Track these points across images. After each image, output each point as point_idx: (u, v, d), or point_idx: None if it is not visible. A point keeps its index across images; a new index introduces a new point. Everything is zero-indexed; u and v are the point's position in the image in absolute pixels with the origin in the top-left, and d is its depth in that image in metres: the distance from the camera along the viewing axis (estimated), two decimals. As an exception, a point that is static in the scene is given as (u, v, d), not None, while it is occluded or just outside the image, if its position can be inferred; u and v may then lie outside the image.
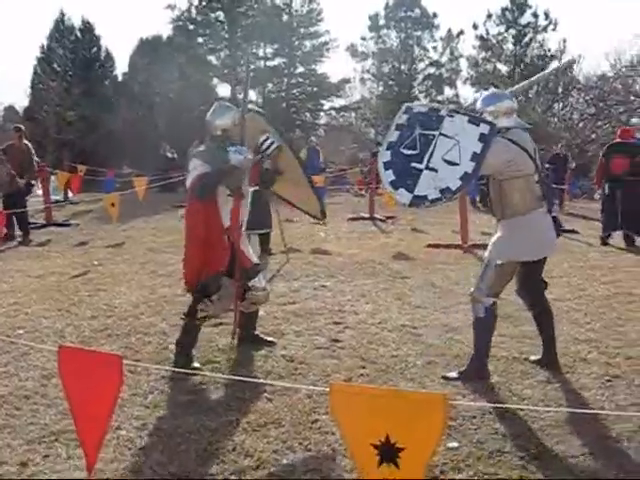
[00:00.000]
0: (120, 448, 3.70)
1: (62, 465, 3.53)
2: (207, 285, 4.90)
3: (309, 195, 5.76)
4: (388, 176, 4.59)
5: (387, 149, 4.64)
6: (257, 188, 9.40)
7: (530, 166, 4.81)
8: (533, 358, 5.19)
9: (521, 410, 4.17)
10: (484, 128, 4.49)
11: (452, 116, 4.57)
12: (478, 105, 4.98)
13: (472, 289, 4.95)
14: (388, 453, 2.31)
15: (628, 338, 5.76)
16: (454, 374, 4.82)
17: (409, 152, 4.56)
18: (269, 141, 5.29)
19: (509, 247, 4.80)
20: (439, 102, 37.35)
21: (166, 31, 36.14)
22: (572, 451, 3.70)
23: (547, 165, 16.96)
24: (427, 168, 4.48)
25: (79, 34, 34.70)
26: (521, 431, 3.93)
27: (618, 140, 11.35)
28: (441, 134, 4.52)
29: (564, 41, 35.39)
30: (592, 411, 4.14)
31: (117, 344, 5.54)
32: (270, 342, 5.54)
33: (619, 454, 3.67)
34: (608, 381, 4.76)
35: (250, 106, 5.68)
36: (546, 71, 6.47)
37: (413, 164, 4.53)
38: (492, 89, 5.40)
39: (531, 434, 3.90)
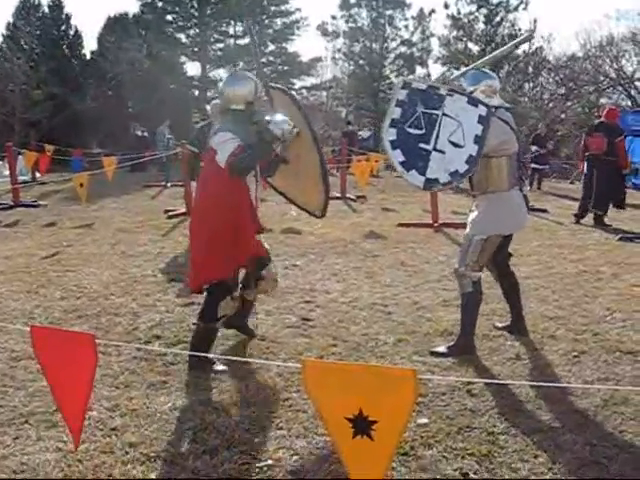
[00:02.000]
0: (91, 429, 3.68)
1: (32, 447, 3.51)
2: (232, 279, 4.58)
3: (314, 188, 4.96)
4: (397, 156, 4.62)
5: (391, 126, 4.63)
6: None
7: (516, 145, 4.93)
8: (500, 325, 5.44)
9: (490, 386, 4.22)
10: (482, 110, 4.52)
11: (452, 95, 4.57)
12: (466, 83, 4.96)
13: (456, 265, 5.04)
14: (362, 426, 2.36)
15: (595, 315, 5.85)
16: (442, 349, 4.89)
17: (415, 131, 4.58)
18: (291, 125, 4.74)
19: (493, 222, 4.88)
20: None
21: (134, 8, 35.72)
22: (540, 426, 3.76)
23: (534, 147, 17.11)
24: (435, 150, 4.54)
25: (47, 11, 34.10)
26: (490, 407, 3.99)
27: (603, 120, 11.45)
28: (444, 114, 4.54)
29: (535, 21, 35.72)
30: (560, 385, 4.21)
31: (87, 325, 5.50)
32: (252, 331, 5.26)
33: (586, 428, 3.73)
34: (575, 357, 4.84)
35: (272, 84, 5.19)
36: (505, 46, 6.36)
37: (421, 145, 4.56)
38: (470, 67, 5.33)
39: (500, 410, 3.95)
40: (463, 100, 4.57)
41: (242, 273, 4.94)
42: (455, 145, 4.52)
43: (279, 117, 4.62)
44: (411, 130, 4.58)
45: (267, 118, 4.59)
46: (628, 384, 4.33)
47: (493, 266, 5.30)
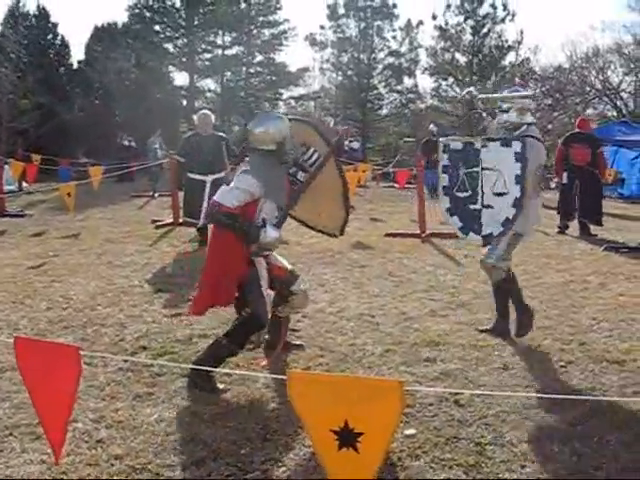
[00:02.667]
0: (76, 441, 3.66)
1: (17, 459, 3.48)
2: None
3: (334, 209, 5.11)
4: (456, 223, 5.19)
5: (444, 195, 5.14)
6: (217, 177, 9.45)
7: (544, 157, 5.50)
8: (482, 328, 5.64)
9: (477, 396, 4.22)
10: (516, 146, 4.91)
11: (486, 146, 4.98)
12: (505, 104, 5.40)
13: (485, 259, 5.44)
14: (347, 438, 2.36)
15: (582, 325, 5.87)
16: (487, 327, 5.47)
17: (463, 194, 5.05)
18: (315, 156, 4.87)
19: (524, 222, 5.22)
20: (398, 92, 37.55)
21: (122, 18, 35.67)
22: (527, 436, 3.76)
23: None
24: (483, 206, 5.02)
25: (34, 20, 34.02)
26: (477, 417, 3.98)
27: (577, 130, 11.53)
28: (483, 168, 4.98)
29: (521, 32, 35.75)
30: (547, 395, 4.21)
31: (73, 336, 5.47)
32: (299, 345, 5.21)
33: (573, 438, 3.73)
34: (562, 367, 4.85)
35: (295, 116, 5.22)
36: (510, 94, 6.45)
37: (471, 206, 5.05)
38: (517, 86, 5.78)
39: (487, 420, 3.95)
40: (497, 145, 4.99)
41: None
42: (500, 195, 4.99)
43: (275, 233, 4.56)
44: (460, 194, 5.06)
45: (269, 227, 4.53)
46: (615, 394, 4.34)
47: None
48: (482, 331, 5.55)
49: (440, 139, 5.29)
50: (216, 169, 9.48)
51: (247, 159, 4.84)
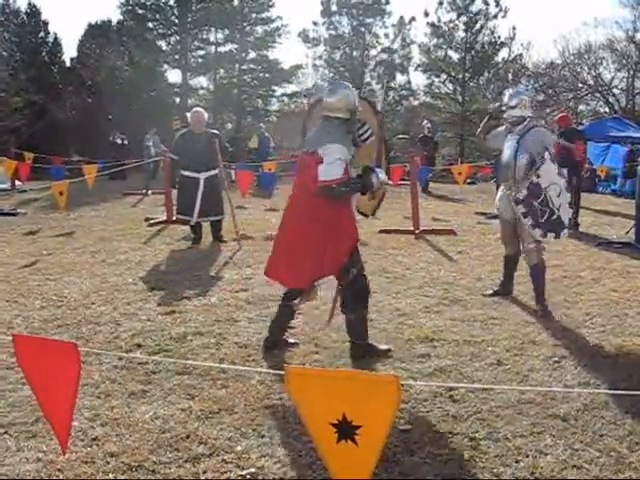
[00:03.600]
0: (72, 439, 3.64)
1: (12, 458, 3.47)
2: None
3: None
4: (550, 238, 6.20)
5: (537, 228, 6.13)
6: (210, 174, 9.46)
7: None
8: (488, 292, 6.68)
9: (472, 392, 4.24)
10: (547, 158, 6.06)
11: (539, 175, 6.05)
12: (513, 101, 6.37)
13: (526, 244, 6.26)
14: (346, 431, 2.38)
15: (575, 320, 5.90)
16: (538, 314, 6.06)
17: (544, 218, 6.08)
18: (368, 133, 4.97)
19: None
20: (391, 88, 37.58)
21: (115, 16, 35.61)
22: (521, 430, 3.78)
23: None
24: (558, 210, 6.09)
25: (25, 18, 33.91)
26: (472, 412, 4.00)
27: (572, 126, 11.57)
28: (546, 188, 6.04)
29: (514, 28, 35.91)
30: (541, 389, 4.23)
31: (67, 334, 5.46)
32: (294, 343, 5.22)
33: (567, 432, 3.76)
34: (556, 362, 4.87)
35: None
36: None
37: (552, 218, 6.10)
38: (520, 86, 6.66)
39: (481, 415, 3.97)
40: (543, 166, 6.04)
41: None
42: (559, 195, 6.07)
43: (382, 174, 4.90)
44: (541, 220, 6.07)
45: (377, 170, 4.86)
46: (608, 388, 4.36)
47: (517, 243, 6.48)
48: (487, 295, 6.62)
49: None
50: (209, 166, 9.48)
51: (317, 129, 4.89)
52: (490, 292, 6.68)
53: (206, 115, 10.09)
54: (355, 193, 4.83)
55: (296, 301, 5.07)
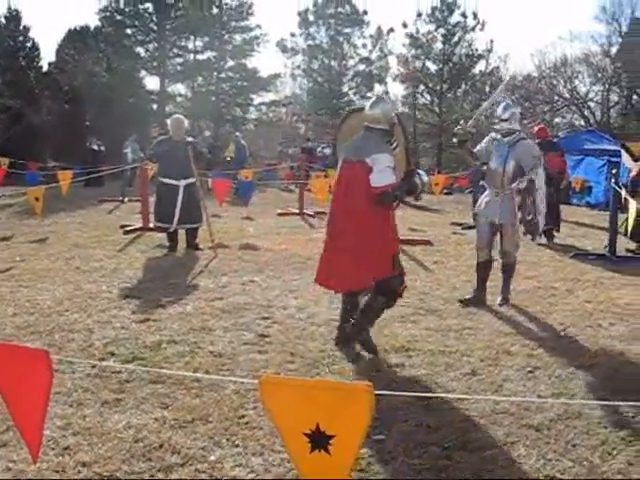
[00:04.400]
0: (43, 448, 3.58)
1: (-19, 467, 3.43)
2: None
3: None
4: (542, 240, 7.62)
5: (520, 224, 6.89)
6: (189, 182, 9.44)
7: None
8: (462, 298, 6.87)
9: (446, 401, 4.25)
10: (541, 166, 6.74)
11: (537, 174, 6.68)
12: (505, 114, 6.82)
13: (506, 246, 6.80)
14: (319, 440, 2.37)
15: (550, 331, 5.95)
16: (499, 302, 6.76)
17: (529, 218, 6.87)
18: (395, 142, 5.40)
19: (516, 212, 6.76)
20: (369, 99, 37.69)
21: (94, 21, 35.40)
22: (495, 440, 3.80)
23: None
24: (538, 214, 6.79)
25: (4, 22, 33.62)
26: (446, 422, 4.01)
27: (540, 140, 11.65)
28: (537, 190, 6.71)
29: (491, 41, 36.16)
30: (515, 399, 4.25)
31: (40, 341, 5.39)
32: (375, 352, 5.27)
33: (540, 442, 3.78)
34: (530, 372, 4.90)
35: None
36: (496, 91, 8.25)
37: (533, 221, 6.82)
38: (507, 101, 7.34)
39: (455, 425, 3.98)
40: (540, 169, 6.73)
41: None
42: (542, 201, 6.84)
43: (425, 175, 5.47)
44: (527, 217, 6.77)
45: (419, 172, 5.39)
46: (581, 399, 4.40)
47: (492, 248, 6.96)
48: (461, 301, 6.79)
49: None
50: (189, 174, 9.45)
51: (360, 139, 5.22)
52: (463, 299, 6.84)
53: (186, 122, 10.06)
54: (405, 195, 5.39)
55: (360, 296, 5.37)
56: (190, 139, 9.97)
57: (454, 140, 7.00)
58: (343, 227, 5.15)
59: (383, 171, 4.95)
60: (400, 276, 5.27)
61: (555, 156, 11.23)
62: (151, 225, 11.05)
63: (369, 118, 5.19)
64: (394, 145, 5.35)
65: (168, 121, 10.14)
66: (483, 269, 6.88)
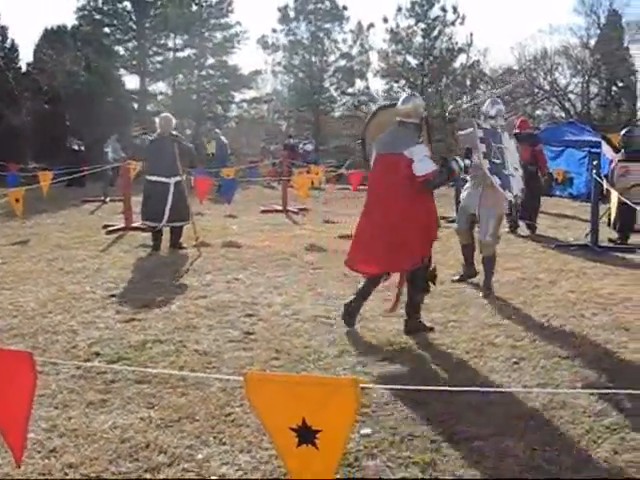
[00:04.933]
0: (28, 451, 3.57)
1: (-34, 471, 3.40)
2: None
3: None
4: (496, 180, 6.43)
5: (484, 158, 6.43)
6: (178, 179, 9.40)
7: None
8: (455, 278, 7.38)
9: (432, 394, 4.26)
10: (514, 139, 6.96)
11: (502, 132, 6.82)
12: (493, 110, 7.04)
13: (485, 237, 6.89)
14: (306, 435, 2.37)
15: (534, 322, 5.98)
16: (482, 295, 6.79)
17: (497, 161, 6.47)
18: (421, 139, 5.73)
19: (502, 201, 6.82)
20: (350, 94, 37.73)
21: (72, 21, 35.10)
22: (482, 432, 3.81)
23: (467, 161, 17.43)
24: (510, 174, 6.56)
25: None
26: (432, 415, 4.02)
27: (517, 131, 11.70)
28: (505, 147, 6.62)
29: (471, 35, 36.18)
30: (500, 390, 4.27)
31: (24, 344, 5.35)
32: (431, 328, 5.70)
33: (526, 432, 3.80)
34: (515, 363, 4.93)
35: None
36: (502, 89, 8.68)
37: (503, 171, 6.51)
38: (494, 97, 7.41)
39: (442, 417, 3.99)
40: (506, 135, 6.76)
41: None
42: (516, 169, 6.71)
43: (460, 160, 5.86)
44: (495, 160, 6.46)
45: (456, 157, 5.85)
46: (566, 388, 4.42)
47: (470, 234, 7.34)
48: (455, 280, 7.34)
49: (473, 120, 6.71)
50: (178, 171, 9.42)
51: (394, 133, 5.61)
52: (457, 277, 7.43)
53: (174, 120, 10.02)
54: (446, 180, 5.78)
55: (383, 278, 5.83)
56: (175, 133, 9.93)
57: (446, 114, 7.39)
58: (383, 216, 5.50)
59: (423, 160, 5.35)
60: (426, 265, 5.67)
61: (527, 147, 11.27)
62: (135, 224, 11.02)
63: (402, 113, 5.58)
64: (420, 140, 5.62)
65: (156, 119, 10.09)
66: (466, 250, 7.45)
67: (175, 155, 9.33)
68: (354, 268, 5.90)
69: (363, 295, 5.77)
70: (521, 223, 11.38)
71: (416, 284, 5.65)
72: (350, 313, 5.70)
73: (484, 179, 6.70)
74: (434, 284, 5.90)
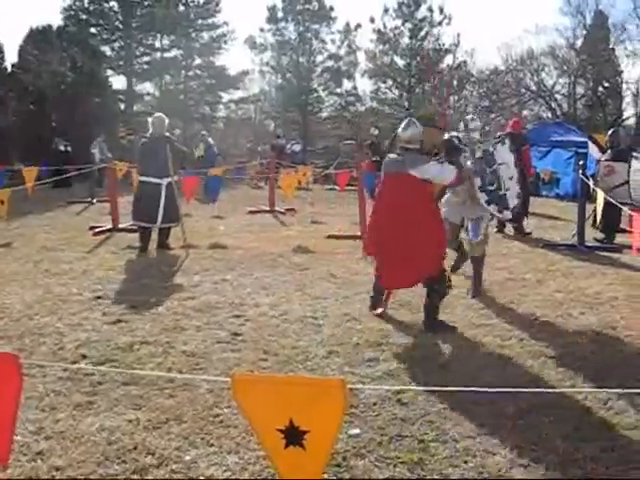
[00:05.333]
0: (15, 454, 3.55)
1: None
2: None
3: None
4: (493, 209, 6.70)
5: (481, 192, 6.63)
6: (169, 180, 9.37)
7: None
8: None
9: (420, 394, 4.27)
10: (507, 143, 6.83)
11: (495, 148, 6.78)
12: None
13: (475, 238, 6.97)
14: (293, 436, 2.38)
15: (521, 321, 6.00)
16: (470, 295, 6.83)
17: (491, 187, 6.64)
18: (440, 155, 6.13)
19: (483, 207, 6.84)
20: (338, 94, 37.75)
21: (57, 20, 34.90)
22: (469, 431, 3.83)
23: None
24: (506, 190, 6.61)
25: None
26: (420, 415, 4.04)
27: (509, 130, 11.74)
28: (499, 165, 6.66)
29: (458, 35, 36.28)
30: (487, 390, 4.28)
31: (10, 346, 5.32)
32: (454, 328, 5.81)
33: (513, 432, 3.82)
34: (502, 363, 4.95)
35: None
36: None
37: (499, 192, 6.62)
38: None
39: (430, 417, 4.01)
40: (499, 145, 6.81)
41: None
42: (510, 178, 6.66)
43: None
44: (489, 187, 6.62)
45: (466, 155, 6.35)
46: (553, 388, 4.45)
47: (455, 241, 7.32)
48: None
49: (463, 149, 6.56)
50: (169, 172, 9.40)
51: (398, 158, 5.96)
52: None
53: (167, 121, 9.98)
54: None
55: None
56: (167, 134, 9.90)
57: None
58: (398, 233, 5.79)
59: (440, 169, 5.80)
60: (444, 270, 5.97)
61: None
62: (122, 226, 10.99)
63: (403, 139, 5.94)
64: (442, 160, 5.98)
65: (149, 119, 10.05)
66: (455, 250, 7.51)
67: (167, 156, 9.31)
68: (391, 287, 6.24)
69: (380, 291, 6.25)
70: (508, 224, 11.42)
71: (438, 290, 5.84)
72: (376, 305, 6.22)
73: (469, 193, 6.78)
74: (450, 287, 6.02)
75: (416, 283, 5.98)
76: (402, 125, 6.05)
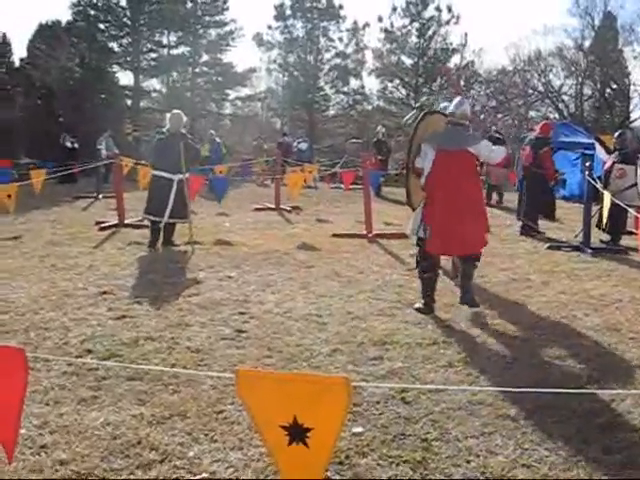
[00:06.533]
0: (19, 447, 3.57)
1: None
2: None
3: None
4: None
5: None
6: (181, 177, 9.40)
7: None
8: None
9: (423, 393, 4.27)
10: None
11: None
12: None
13: None
14: (297, 433, 2.37)
15: (525, 322, 6.00)
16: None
17: None
18: None
19: None
20: (345, 93, 37.76)
21: (66, 16, 35.00)
22: (472, 431, 3.83)
23: None
24: None
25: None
26: (424, 414, 4.04)
27: (537, 134, 11.69)
28: None
29: (465, 35, 36.29)
30: (491, 389, 4.29)
31: (15, 340, 5.34)
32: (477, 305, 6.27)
33: (517, 432, 3.82)
34: (506, 363, 4.95)
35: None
36: None
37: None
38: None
39: (433, 416, 4.00)
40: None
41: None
42: None
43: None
44: None
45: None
46: (557, 389, 4.44)
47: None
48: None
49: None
50: (183, 169, 9.43)
51: (452, 133, 6.25)
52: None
53: (185, 118, 10.01)
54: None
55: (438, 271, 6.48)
56: (183, 131, 9.92)
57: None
58: (463, 203, 6.05)
59: (492, 149, 6.35)
60: None
61: (528, 149, 11.35)
62: (128, 221, 11.02)
63: (457, 115, 6.26)
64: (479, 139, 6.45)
65: (167, 115, 10.08)
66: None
67: (181, 153, 9.35)
68: (439, 252, 6.36)
69: (432, 287, 6.34)
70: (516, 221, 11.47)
71: (473, 260, 6.32)
72: (428, 309, 6.23)
73: None
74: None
75: (468, 253, 6.28)
76: (454, 102, 6.40)
